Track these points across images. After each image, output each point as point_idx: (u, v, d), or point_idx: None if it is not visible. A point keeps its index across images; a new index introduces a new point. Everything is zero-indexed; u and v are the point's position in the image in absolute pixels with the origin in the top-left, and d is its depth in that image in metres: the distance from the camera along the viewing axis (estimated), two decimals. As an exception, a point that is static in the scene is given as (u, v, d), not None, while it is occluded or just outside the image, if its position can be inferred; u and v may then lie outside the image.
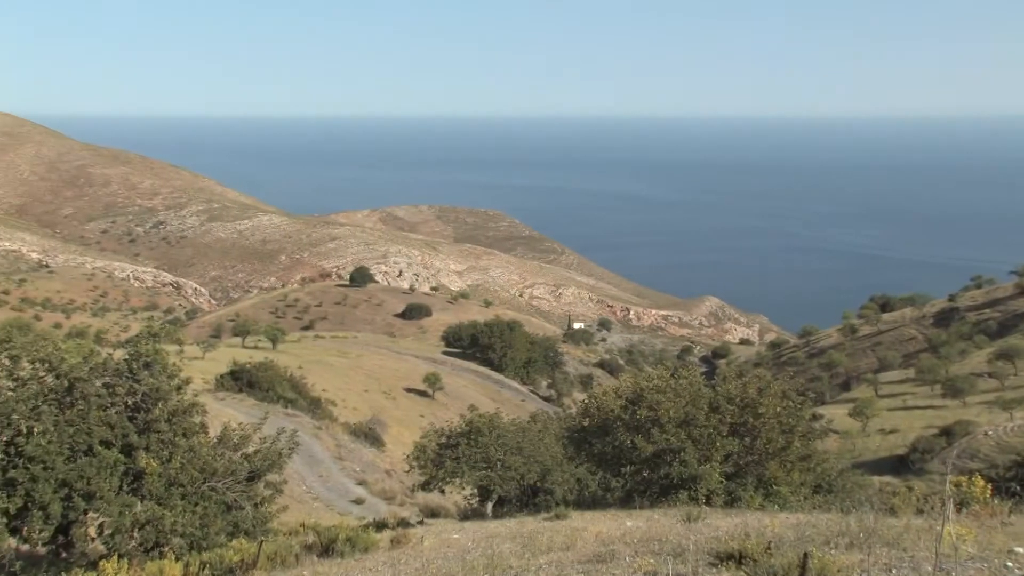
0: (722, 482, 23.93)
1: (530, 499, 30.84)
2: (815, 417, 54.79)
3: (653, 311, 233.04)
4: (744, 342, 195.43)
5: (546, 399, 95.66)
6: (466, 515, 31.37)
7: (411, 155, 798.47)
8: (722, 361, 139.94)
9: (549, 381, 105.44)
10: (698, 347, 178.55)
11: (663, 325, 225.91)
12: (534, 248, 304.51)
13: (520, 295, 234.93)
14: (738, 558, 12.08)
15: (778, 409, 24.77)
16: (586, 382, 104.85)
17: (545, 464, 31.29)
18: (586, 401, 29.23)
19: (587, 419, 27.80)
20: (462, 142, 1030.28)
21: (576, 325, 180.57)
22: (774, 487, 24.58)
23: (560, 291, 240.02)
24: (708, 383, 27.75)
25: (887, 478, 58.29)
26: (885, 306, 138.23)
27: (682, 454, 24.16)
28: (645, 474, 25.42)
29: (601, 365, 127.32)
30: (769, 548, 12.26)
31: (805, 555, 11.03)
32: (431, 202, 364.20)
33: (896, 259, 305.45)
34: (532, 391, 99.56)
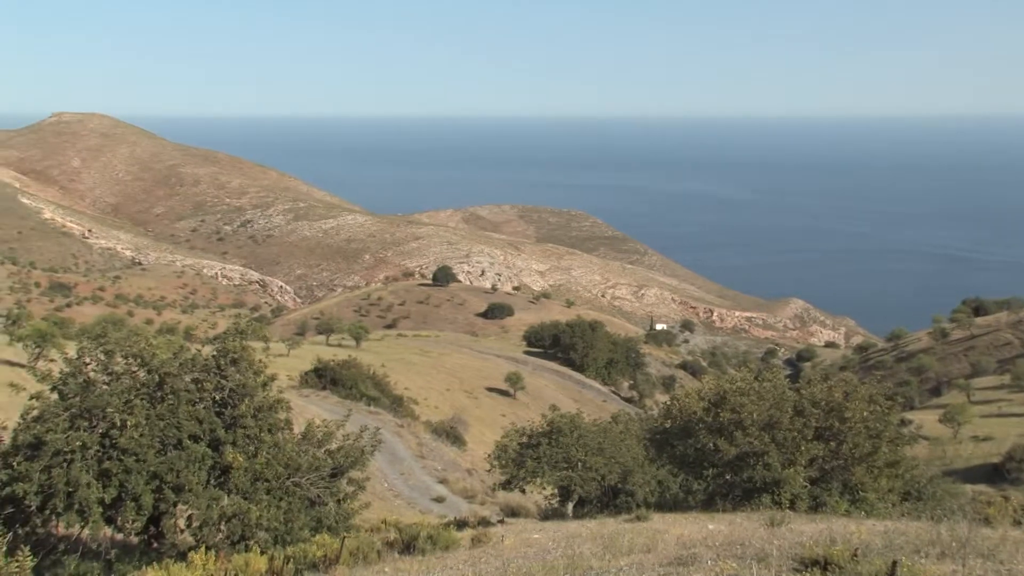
0: (806, 487, 23.53)
1: (611, 500, 30.65)
2: (904, 422, 53.58)
3: (736, 313, 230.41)
4: (830, 345, 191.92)
5: (627, 400, 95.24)
6: (546, 515, 31.32)
7: (496, 155, 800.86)
8: (807, 364, 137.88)
9: (631, 382, 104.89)
10: (782, 350, 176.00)
11: (746, 327, 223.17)
12: (617, 248, 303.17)
13: (602, 295, 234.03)
14: (823, 564, 11.85)
15: (865, 413, 24.24)
16: (668, 383, 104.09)
17: (626, 465, 31.05)
18: (668, 403, 28.99)
19: (669, 421, 27.56)
20: (546, 142, 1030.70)
21: (658, 326, 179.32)
22: (860, 493, 24.09)
23: (642, 292, 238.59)
24: (792, 386, 27.29)
25: (980, 487, 56.57)
26: (978, 310, 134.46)
27: (765, 457, 23.81)
28: (727, 477, 25.11)
29: (683, 366, 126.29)
30: (856, 555, 12.00)
31: (894, 563, 10.78)
32: (514, 202, 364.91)
33: (990, 261, 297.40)
34: (613, 392, 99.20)
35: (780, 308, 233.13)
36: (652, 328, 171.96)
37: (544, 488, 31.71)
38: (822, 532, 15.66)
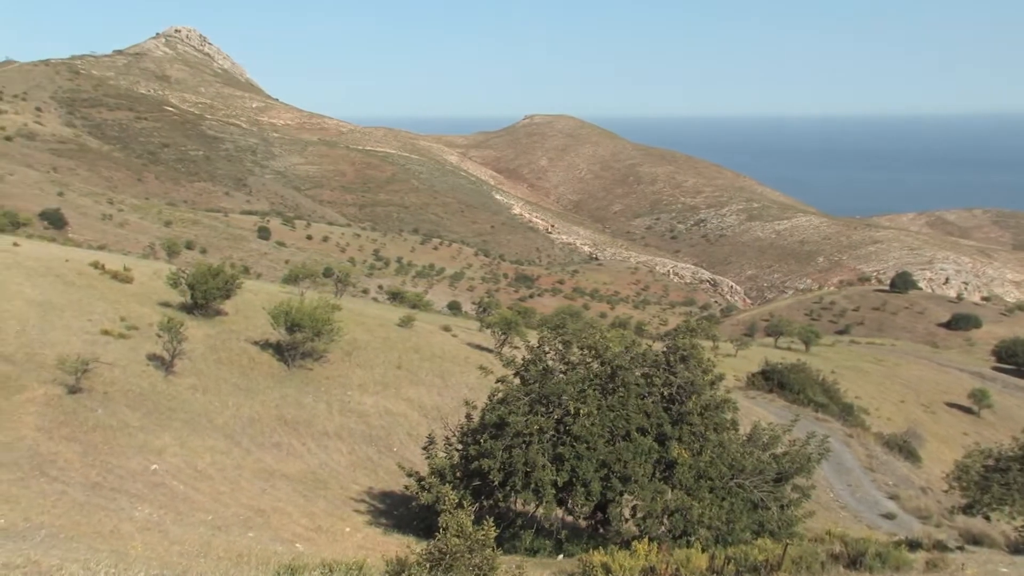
0: None
1: (1099, 542, 27.33)
2: None
3: None
4: None
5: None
6: (1017, 548, 28.61)
7: (967, 156, 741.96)
8: None
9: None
10: None
11: None
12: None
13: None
14: None
15: None
16: None
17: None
18: None
19: None
20: (1003, 142, 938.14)
21: None
22: None
23: None
24: None
25: None
26: None
27: None
28: None
29: None
30: None
31: None
32: (988, 205, 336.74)
33: None
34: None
35: None
36: None
37: (1013, 518, 28.98)
38: None
